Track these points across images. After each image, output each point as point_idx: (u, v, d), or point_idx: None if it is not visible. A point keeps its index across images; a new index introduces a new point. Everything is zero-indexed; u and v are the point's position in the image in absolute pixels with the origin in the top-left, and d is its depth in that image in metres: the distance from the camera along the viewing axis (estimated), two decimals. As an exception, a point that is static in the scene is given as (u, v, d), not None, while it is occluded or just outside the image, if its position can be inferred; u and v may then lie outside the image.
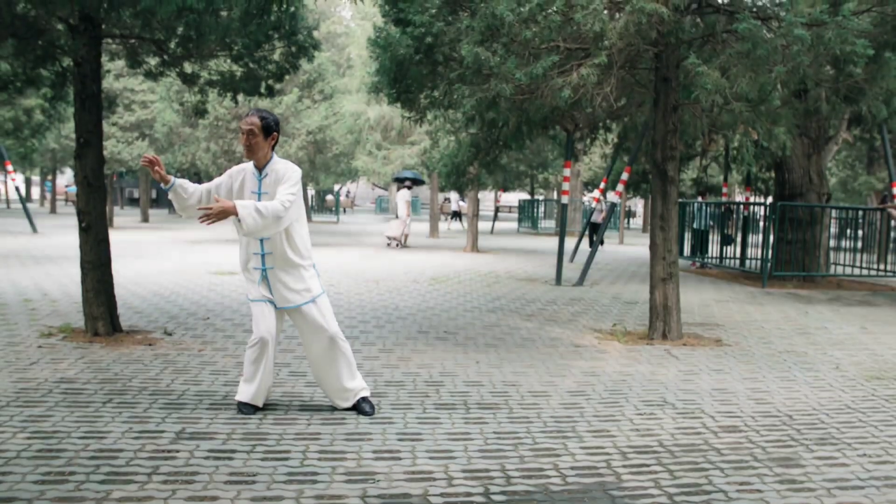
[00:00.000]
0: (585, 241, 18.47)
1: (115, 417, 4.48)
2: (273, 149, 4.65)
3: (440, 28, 7.00)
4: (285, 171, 4.55)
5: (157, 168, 4.45)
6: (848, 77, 7.19)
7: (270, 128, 4.56)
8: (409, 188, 20.46)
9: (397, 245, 19.39)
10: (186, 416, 4.58)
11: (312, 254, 4.75)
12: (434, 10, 7.08)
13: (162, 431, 4.26)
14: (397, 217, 19.85)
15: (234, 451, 3.99)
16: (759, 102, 7.06)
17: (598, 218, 19.65)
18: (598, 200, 20.47)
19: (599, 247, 17.27)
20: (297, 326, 4.72)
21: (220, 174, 24.62)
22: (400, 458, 3.97)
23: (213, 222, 4.24)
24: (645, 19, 6.14)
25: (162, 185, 4.55)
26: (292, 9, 7.74)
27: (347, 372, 4.71)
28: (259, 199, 4.52)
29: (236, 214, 4.19)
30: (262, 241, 4.55)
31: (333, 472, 3.76)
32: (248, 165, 4.66)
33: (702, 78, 6.32)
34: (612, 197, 15.83)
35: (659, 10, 6.14)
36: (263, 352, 4.63)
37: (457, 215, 32.54)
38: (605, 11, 6.46)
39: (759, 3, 8.17)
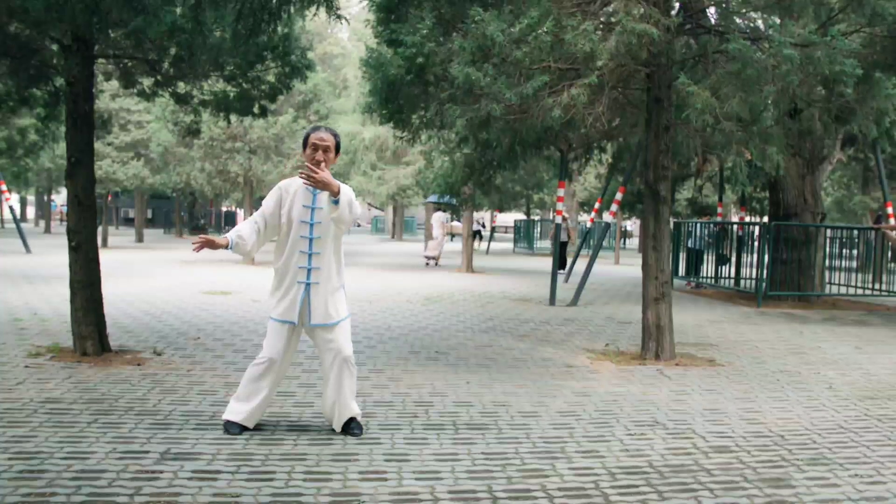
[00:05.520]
0: (580, 262, 18.46)
1: (99, 438, 4.43)
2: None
3: (431, 49, 7.02)
4: (340, 186, 4.60)
5: (213, 243, 4.44)
6: (839, 97, 7.21)
7: (339, 145, 4.70)
8: (444, 211, 21.76)
9: (435, 263, 20.59)
10: (172, 436, 4.53)
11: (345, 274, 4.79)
12: (425, 31, 7.11)
13: (146, 452, 4.21)
14: (433, 238, 21.53)
15: (218, 472, 3.94)
16: (751, 122, 7.08)
17: (564, 237, 20.39)
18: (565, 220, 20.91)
19: (561, 269, 17.33)
20: (317, 345, 4.69)
21: (215, 194, 24.44)
22: (386, 479, 3.93)
23: (309, 182, 4.30)
24: (635, 40, 6.17)
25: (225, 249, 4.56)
26: (285, 30, 7.78)
27: (350, 395, 4.69)
28: (313, 213, 4.57)
29: (336, 194, 4.27)
30: (310, 255, 4.55)
31: (318, 492, 3.71)
32: (298, 180, 4.55)
33: (692, 98, 6.34)
34: (606, 217, 15.86)
35: (649, 31, 6.16)
36: (268, 372, 4.61)
37: (477, 234, 32.38)
38: (597, 32, 6.48)
39: (751, 25, 8.21)
